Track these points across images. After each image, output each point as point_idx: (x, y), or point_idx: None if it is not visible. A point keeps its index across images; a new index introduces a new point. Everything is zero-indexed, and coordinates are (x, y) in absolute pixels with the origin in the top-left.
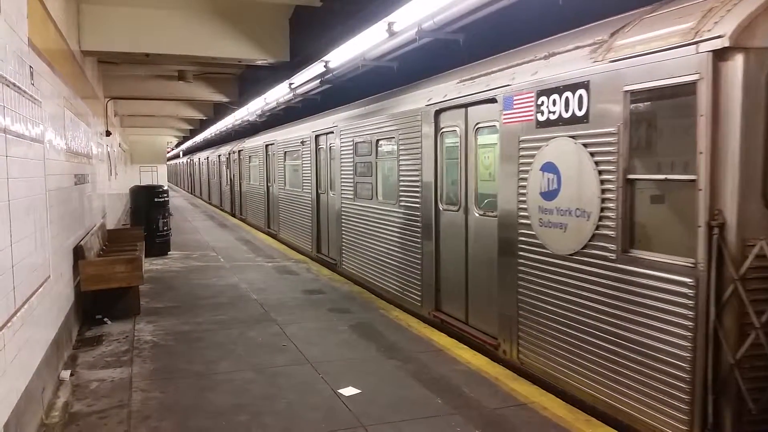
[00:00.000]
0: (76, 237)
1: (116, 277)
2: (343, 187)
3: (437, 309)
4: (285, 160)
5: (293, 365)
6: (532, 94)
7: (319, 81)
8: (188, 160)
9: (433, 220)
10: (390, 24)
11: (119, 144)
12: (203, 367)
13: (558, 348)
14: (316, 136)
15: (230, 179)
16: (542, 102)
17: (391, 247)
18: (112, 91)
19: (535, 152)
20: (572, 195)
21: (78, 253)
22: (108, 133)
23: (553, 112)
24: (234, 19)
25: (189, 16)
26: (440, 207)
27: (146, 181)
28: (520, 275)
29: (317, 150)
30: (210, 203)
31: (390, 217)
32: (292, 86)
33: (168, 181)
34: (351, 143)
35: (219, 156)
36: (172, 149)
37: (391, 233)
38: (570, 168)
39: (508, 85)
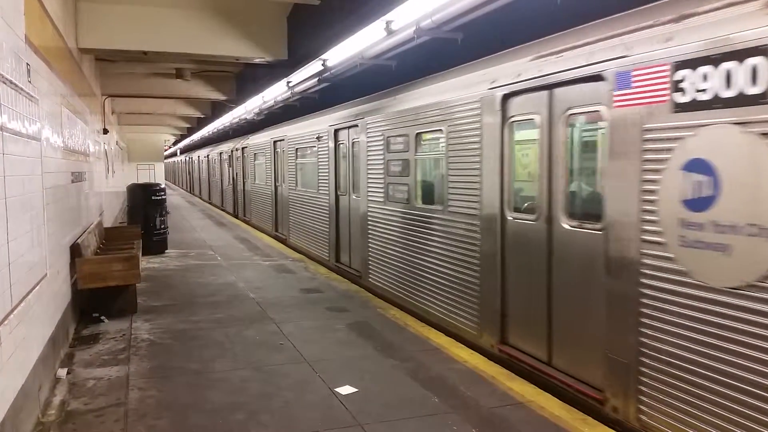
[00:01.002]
0: (73, 235)
1: (113, 275)
2: (370, 189)
3: (503, 341)
4: (297, 157)
5: (290, 364)
6: (666, 68)
7: (317, 79)
8: (187, 158)
9: (497, 231)
10: (388, 22)
11: (116, 142)
12: (200, 365)
13: (713, 415)
14: (336, 131)
15: (233, 178)
16: (683, 77)
17: (436, 261)
18: (110, 88)
19: (673, 145)
20: (740, 204)
21: (75, 251)
22: (105, 131)
23: (704, 90)
24: (232, 17)
25: (187, 14)
26: (507, 215)
27: (143, 179)
28: (644, 310)
29: (336, 146)
30: (210, 203)
31: (435, 224)
32: (290, 84)
33: (166, 179)
34: (381, 138)
35: (220, 153)
36: (170, 147)
37: (435, 244)
38: (736, 167)
39: (623, 57)
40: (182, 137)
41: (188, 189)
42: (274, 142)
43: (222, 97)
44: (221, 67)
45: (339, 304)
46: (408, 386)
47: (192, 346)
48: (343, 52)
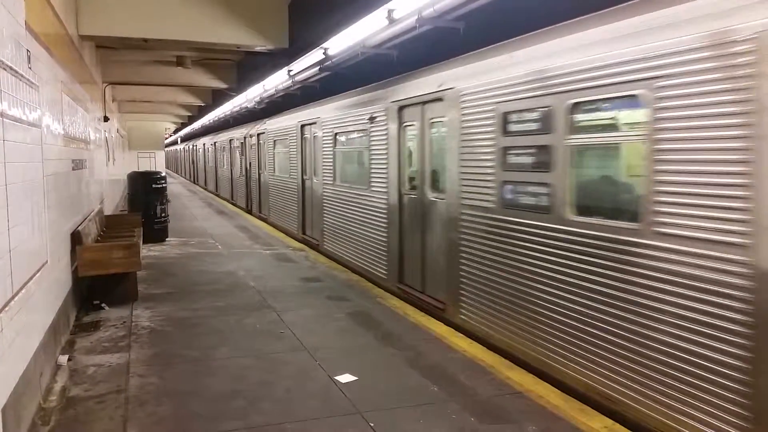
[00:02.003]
0: (73, 222)
1: (114, 262)
2: (465, 188)
3: None
4: (335, 145)
5: (291, 352)
6: None
7: (318, 68)
8: (191, 146)
9: None
10: (390, 11)
11: (117, 130)
12: (201, 353)
13: None
14: (401, 109)
15: (246, 168)
16: None
17: (623, 314)
18: (110, 76)
19: None
20: None
21: (76, 238)
22: (106, 119)
23: None
24: (233, 4)
25: (188, 2)
26: None
27: (144, 167)
28: None
29: (401, 130)
30: (217, 195)
31: (618, 254)
32: (291, 73)
33: (166, 168)
34: (490, 115)
35: (230, 140)
36: (170, 135)
37: (622, 285)
38: None
39: None
40: (183, 125)
41: (192, 179)
42: (302, 126)
43: (223, 86)
44: (222, 55)
45: (339, 293)
46: (407, 375)
47: (192, 333)
48: (344, 41)
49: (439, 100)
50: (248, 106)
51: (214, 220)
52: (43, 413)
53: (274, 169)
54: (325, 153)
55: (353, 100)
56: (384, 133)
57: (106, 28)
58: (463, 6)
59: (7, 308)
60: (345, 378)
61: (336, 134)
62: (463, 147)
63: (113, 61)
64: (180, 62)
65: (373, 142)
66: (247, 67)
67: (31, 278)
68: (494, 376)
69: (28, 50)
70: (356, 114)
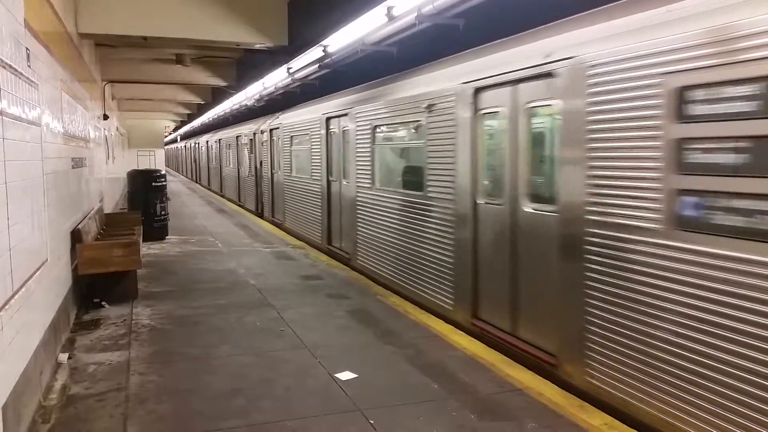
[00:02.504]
0: (73, 220)
1: (114, 260)
2: (599, 197)
3: None
4: (373, 141)
5: (291, 350)
6: None
7: (317, 66)
8: (192, 144)
9: None
10: (389, 8)
11: (116, 128)
12: (201, 351)
13: None
14: (476, 92)
15: (256, 167)
16: None
17: None
18: (110, 74)
19: None
20: None
21: (75, 236)
22: (105, 117)
23: None
24: (232, 2)
25: None
26: None
27: (144, 165)
28: None
29: (475, 119)
30: (222, 195)
31: None
32: (291, 71)
33: (166, 166)
34: (650, 92)
35: (238, 137)
36: (170, 133)
37: None
38: None
39: None
40: (183, 123)
41: (193, 178)
42: (328, 119)
43: (222, 83)
44: (221, 53)
45: (339, 290)
46: (407, 372)
47: (193, 331)
48: (344, 38)
49: (546, 76)
50: (248, 103)
51: (214, 218)
52: (43, 411)
53: (291, 169)
54: (360, 150)
55: (400, 83)
56: (449, 124)
57: (106, 26)
58: (462, 3)
59: (7, 306)
60: (345, 375)
61: (375, 127)
62: (593, 140)
63: (113, 59)
64: (179, 60)
65: (431, 137)
66: (246, 64)
67: (31, 276)
68: (494, 374)
69: (27, 48)
70: (406, 101)
